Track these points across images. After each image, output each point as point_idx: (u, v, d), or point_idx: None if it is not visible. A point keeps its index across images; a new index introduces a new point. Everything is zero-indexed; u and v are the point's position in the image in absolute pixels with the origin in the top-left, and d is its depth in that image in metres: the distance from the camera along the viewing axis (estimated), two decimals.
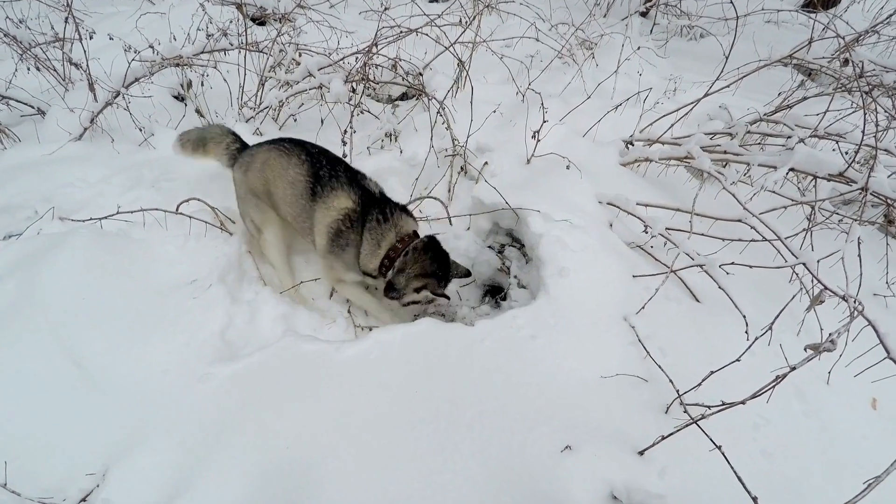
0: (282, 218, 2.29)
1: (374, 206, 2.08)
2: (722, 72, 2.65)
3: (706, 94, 2.66)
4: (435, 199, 2.57)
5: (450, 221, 2.56)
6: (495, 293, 2.43)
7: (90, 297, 1.98)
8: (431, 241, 2.09)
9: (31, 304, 1.92)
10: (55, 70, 3.20)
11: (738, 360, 1.50)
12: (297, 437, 1.65)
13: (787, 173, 2.21)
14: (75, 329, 1.89)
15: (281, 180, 2.16)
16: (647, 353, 1.83)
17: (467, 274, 2.27)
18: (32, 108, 3.11)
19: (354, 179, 2.13)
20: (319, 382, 1.80)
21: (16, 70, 3.05)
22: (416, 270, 2.04)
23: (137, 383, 1.81)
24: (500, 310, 2.29)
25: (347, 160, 2.66)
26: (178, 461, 1.62)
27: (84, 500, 1.59)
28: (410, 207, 2.44)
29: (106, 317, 1.95)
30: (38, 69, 3.12)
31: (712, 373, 1.55)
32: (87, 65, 2.94)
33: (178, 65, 3.00)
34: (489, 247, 2.55)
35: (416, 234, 2.14)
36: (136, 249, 2.19)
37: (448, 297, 2.14)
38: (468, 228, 2.57)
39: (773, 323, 1.50)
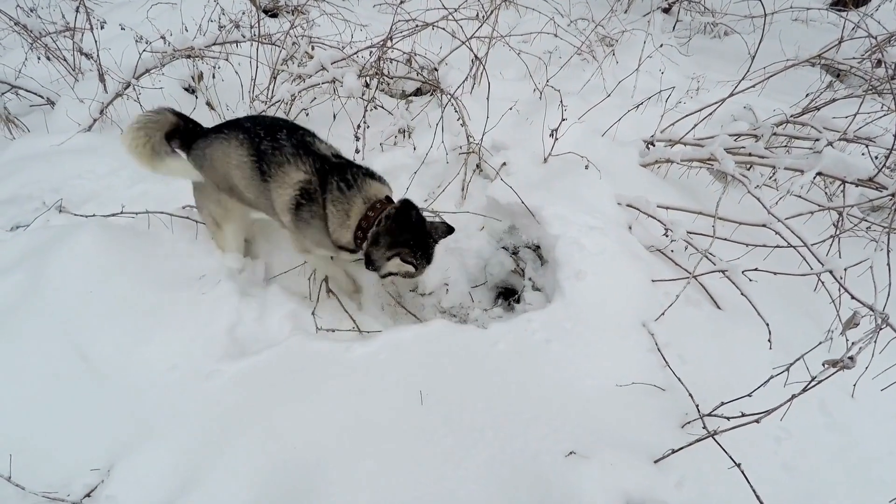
0: (247, 205, 2.09)
1: (332, 173, 1.87)
2: (747, 71, 2.58)
3: (731, 94, 2.59)
4: (466, 212, 2.51)
5: (464, 205, 2.51)
6: (508, 295, 2.38)
7: (98, 290, 1.96)
8: (405, 207, 1.88)
9: (38, 296, 1.90)
10: (65, 60, 3.19)
11: (766, 382, 1.44)
12: (305, 438, 1.62)
13: (814, 177, 2.17)
14: (82, 323, 1.87)
15: (232, 168, 1.96)
16: (667, 363, 1.78)
17: (449, 230, 2.04)
18: (42, 98, 3.10)
19: (302, 145, 1.89)
20: (328, 382, 1.77)
21: (26, 59, 3.05)
22: (389, 240, 1.86)
23: (144, 379, 1.79)
24: (514, 312, 2.24)
25: (359, 156, 2.64)
26: (183, 459, 1.60)
27: (88, 495, 1.57)
28: (427, 210, 2.39)
29: (113, 311, 1.93)
30: (48, 59, 3.12)
31: (733, 400, 1.50)
32: (98, 55, 2.92)
33: (189, 56, 2.97)
34: (503, 248, 2.50)
35: (389, 199, 1.94)
36: (145, 243, 2.17)
37: (419, 269, 1.95)
38: (482, 228, 2.52)
39: (806, 354, 1.45)
